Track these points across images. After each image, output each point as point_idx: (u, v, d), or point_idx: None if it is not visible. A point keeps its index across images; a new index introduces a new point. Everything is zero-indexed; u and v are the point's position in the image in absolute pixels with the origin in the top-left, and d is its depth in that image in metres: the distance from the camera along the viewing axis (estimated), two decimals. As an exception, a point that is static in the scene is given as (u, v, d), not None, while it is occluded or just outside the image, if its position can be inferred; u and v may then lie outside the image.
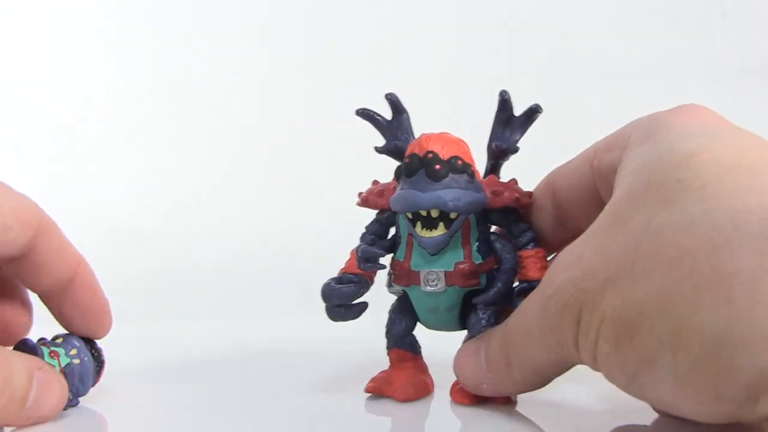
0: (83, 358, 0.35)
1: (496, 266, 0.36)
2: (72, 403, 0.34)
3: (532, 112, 0.36)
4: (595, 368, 0.26)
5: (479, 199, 0.35)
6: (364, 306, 0.37)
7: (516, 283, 0.35)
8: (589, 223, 0.28)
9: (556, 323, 0.26)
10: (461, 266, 0.35)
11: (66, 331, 0.36)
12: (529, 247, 0.35)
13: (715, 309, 0.19)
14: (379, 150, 0.39)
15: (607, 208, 0.27)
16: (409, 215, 0.35)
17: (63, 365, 0.34)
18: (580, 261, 0.25)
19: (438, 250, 0.34)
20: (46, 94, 0.85)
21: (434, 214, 0.34)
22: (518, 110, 0.36)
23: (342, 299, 0.36)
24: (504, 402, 0.35)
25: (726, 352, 0.19)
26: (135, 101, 0.86)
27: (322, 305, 0.37)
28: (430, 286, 0.35)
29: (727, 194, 0.21)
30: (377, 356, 0.38)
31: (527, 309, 0.30)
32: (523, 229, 0.36)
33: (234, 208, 0.79)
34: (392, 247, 0.36)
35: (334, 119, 0.67)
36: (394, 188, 0.36)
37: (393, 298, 0.38)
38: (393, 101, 0.38)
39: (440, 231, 0.34)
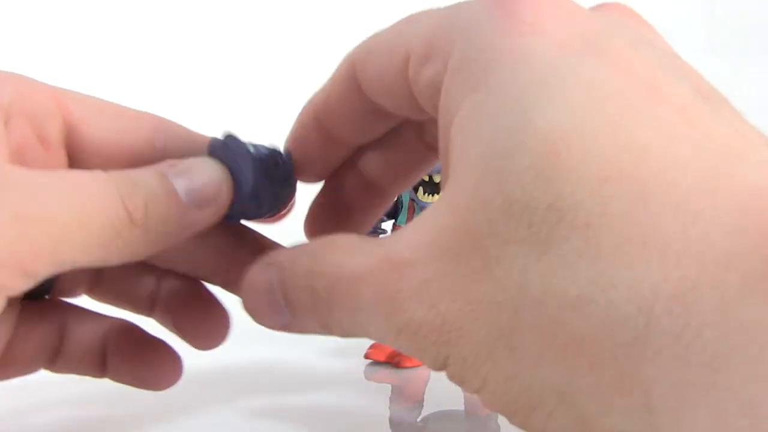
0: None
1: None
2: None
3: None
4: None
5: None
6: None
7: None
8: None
9: (408, 343, 0.20)
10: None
11: None
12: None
13: (630, 414, 0.16)
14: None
15: (451, 210, 0.18)
16: (411, 180, 0.34)
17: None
18: (432, 294, 0.18)
19: (440, 215, 0.34)
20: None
21: (436, 179, 0.34)
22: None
23: (342, 264, 0.36)
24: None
25: None
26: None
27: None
28: (432, 253, 0.35)
29: (623, 252, 0.15)
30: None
31: (364, 291, 0.19)
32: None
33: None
34: (394, 212, 0.36)
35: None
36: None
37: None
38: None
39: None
